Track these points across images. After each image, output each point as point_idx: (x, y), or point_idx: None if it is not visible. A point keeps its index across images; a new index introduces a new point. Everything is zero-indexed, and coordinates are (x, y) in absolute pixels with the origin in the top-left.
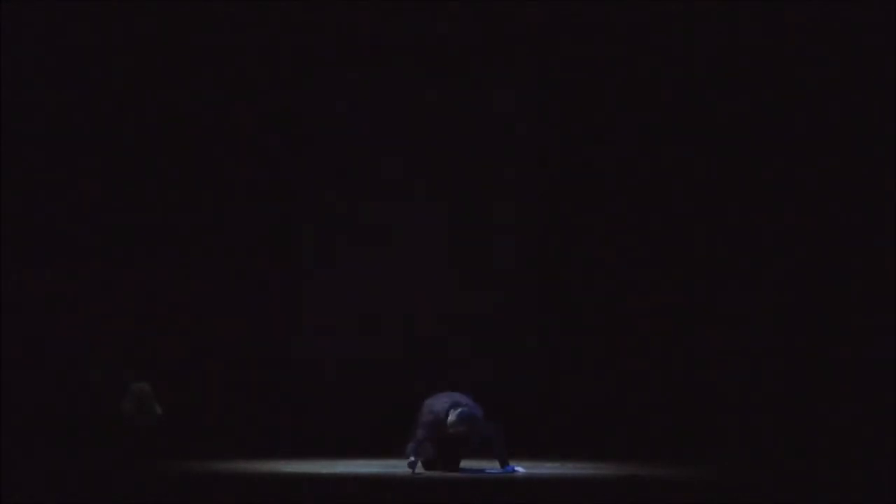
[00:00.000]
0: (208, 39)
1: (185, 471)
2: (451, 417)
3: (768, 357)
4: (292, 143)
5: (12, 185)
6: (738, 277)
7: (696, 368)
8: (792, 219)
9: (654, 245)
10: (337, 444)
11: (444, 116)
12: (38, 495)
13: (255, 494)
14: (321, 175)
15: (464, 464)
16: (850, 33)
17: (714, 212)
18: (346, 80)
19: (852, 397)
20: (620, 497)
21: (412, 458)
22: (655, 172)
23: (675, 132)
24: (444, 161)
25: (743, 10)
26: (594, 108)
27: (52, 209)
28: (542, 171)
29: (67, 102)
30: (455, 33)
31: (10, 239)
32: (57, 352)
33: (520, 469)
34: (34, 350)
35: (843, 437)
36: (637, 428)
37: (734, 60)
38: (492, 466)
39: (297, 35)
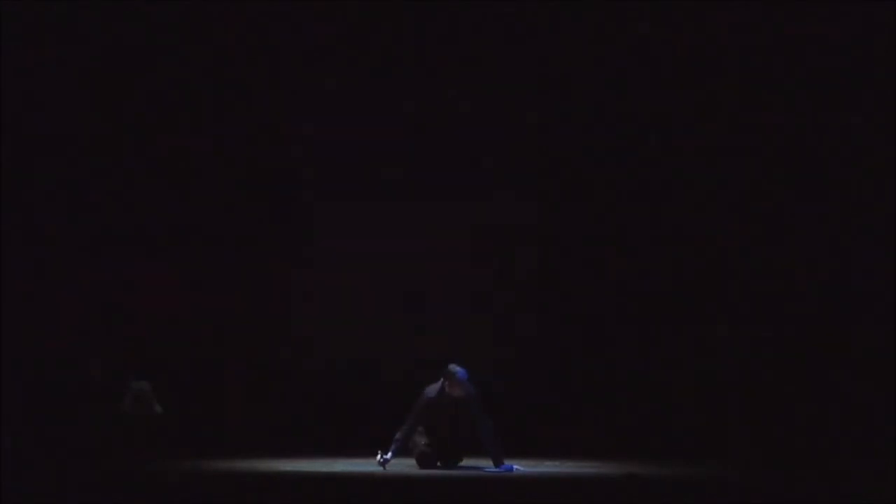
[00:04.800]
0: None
1: (186, 471)
2: (455, 371)
3: (769, 356)
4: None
5: (12, 183)
6: (737, 277)
7: (695, 368)
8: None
9: (654, 243)
10: (337, 444)
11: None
12: (38, 495)
13: (255, 494)
14: (325, 176)
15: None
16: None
17: (713, 211)
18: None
19: (851, 396)
20: (620, 497)
21: (388, 457)
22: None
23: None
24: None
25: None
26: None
27: (52, 207)
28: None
29: (65, 101)
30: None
31: (9, 238)
32: (57, 351)
33: (518, 468)
34: (34, 349)
35: (842, 436)
36: (637, 428)
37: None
38: (489, 465)
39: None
